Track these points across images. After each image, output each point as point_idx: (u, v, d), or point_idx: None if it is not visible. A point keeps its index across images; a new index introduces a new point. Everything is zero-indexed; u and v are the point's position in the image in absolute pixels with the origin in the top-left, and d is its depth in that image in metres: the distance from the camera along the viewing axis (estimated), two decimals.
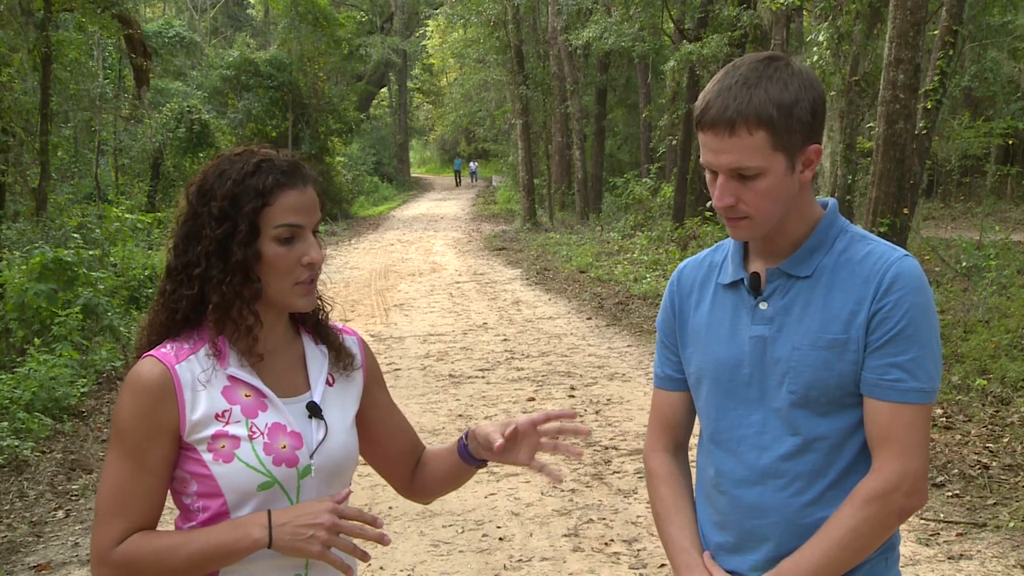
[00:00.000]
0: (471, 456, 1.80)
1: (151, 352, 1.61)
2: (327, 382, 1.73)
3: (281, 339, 1.71)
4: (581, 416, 6.83)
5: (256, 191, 1.59)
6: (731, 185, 1.61)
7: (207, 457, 1.58)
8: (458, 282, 15.08)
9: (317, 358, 1.74)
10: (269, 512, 1.55)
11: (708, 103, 1.60)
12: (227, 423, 1.59)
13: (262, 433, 1.61)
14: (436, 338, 10.21)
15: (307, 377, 1.71)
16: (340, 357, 1.77)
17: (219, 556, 1.55)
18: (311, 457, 1.64)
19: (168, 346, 1.62)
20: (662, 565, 4.23)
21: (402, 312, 12.16)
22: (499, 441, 1.71)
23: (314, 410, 1.68)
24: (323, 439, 1.67)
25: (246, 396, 1.62)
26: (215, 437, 1.58)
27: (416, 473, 1.90)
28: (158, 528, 1.63)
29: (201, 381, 1.60)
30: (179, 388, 1.58)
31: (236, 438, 1.59)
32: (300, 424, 1.65)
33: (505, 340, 9.95)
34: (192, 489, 1.61)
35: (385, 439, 1.86)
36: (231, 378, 1.62)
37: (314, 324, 1.77)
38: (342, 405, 1.74)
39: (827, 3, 11.05)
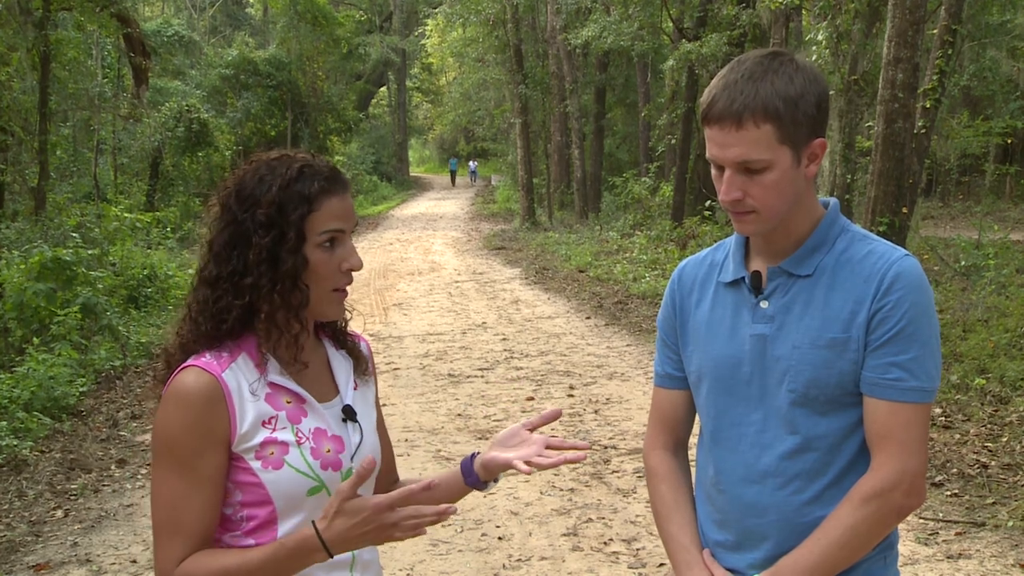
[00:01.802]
0: (474, 473, 1.76)
1: (193, 362, 1.57)
2: (353, 387, 1.74)
3: (308, 345, 1.70)
4: (580, 415, 6.84)
5: (302, 197, 1.57)
6: (738, 179, 1.61)
7: (255, 465, 1.56)
8: (457, 281, 15.08)
9: (342, 363, 1.74)
10: (317, 530, 1.49)
11: (714, 97, 1.60)
12: (274, 430, 1.58)
13: (308, 438, 1.60)
14: (435, 337, 10.21)
15: (334, 382, 1.71)
16: (360, 363, 1.77)
17: (282, 572, 1.54)
18: (351, 460, 1.65)
19: (207, 355, 1.59)
20: (661, 564, 4.23)
21: (401, 311, 12.16)
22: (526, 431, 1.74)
23: (349, 413, 1.68)
24: (359, 443, 1.67)
25: (287, 402, 1.62)
26: (264, 444, 1.57)
27: None
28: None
29: (246, 389, 1.58)
30: (229, 397, 1.56)
31: (285, 444, 1.58)
32: (338, 428, 1.66)
33: (504, 339, 9.96)
34: (236, 499, 1.59)
35: None
36: (272, 384, 1.61)
37: (333, 330, 1.77)
38: (366, 410, 1.75)
39: (826, 2, 11.05)
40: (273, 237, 1.56)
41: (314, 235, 1.58)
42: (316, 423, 1.63)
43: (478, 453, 1.78)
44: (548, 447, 1.71)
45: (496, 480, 1.78)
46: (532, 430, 1.76)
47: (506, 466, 1.72)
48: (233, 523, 1.60)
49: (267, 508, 1.58)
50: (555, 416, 1.75)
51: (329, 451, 1.61)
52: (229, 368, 1.58)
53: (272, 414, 1.59)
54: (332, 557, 1.51)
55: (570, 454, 1.70)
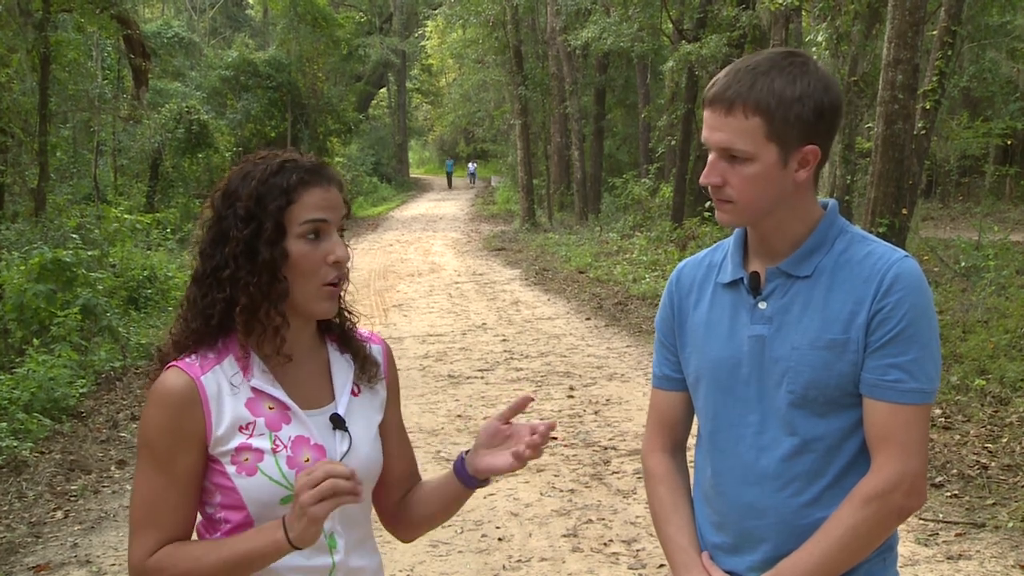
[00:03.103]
0: (469, 476, 1.72)
1: (175, 363, 1.59)
2: (352, 392, 1.71)
3: (307, 347, 1.68)
4: (580, 416, 6.84)
5: (281, 189, 1.58)
6: (720, 165, 1.63)
7: (231, 470, 1.57)
8: (457, 282, 15.08)
9: (343, 368, 1.72)
10: (284, 517, 1.52)
11: (716, 81, 1.63)
12: (251, 436, 1.58)
13: (285, 446, 1.59)
14: (435, 338, 10.21)
15: (332, 387, 1.69)
16: (365, 367, 1.74)
17: (246, 562, 1.54)
18: None
19: (192, 356, 1.60)
20: (661, 565, 4.23)
21: (401, 312, 12.16)
22: (504, 423, 1.67)
23: (338, 422, 1.66)
24: (347, 451, 1.65)
25: (270, 408, 1.61)
26: (239, 450, 1.57)
27: (405, 503, 1.82)
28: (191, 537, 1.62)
29: (226, 393, 1.58)
30: (205, 399, 1.57)
31: (259, 451, 1.57)
32: (323, 436, 1.63)
33: (504, 340, 9.95)
34: (216, 500, 1.60)
35: (384, 459, 1.76)
36: (255, 390, 1.61)
37: (339, 333, 1.74)
38: (367, 416, 1.72)
39: (826, 3, 11.07)
40: (252, 229, 1.57)
41: (295, 226, 1.58)
42: (298, 431, 1.61)
43: (466, 453, 1.74)
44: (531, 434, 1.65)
45: (488, 481, 1.75)
46: (507, 421, 1.70)
47: (500, 472, 1.69)
48: (214, 523, 1.62)
49: (242, 512, 1.58)
50: (526, 403, 1.71)
51: (308, 460, 1.60)
52: (211, 370, 1.59)
53: (250, 420, 1.59)
54: (291, 543, 1.49)
55: (543, 426, 1.65)
